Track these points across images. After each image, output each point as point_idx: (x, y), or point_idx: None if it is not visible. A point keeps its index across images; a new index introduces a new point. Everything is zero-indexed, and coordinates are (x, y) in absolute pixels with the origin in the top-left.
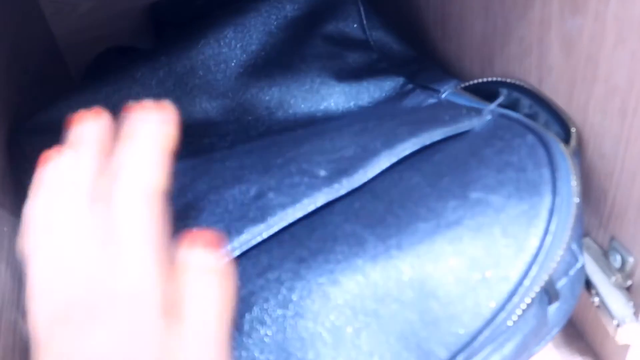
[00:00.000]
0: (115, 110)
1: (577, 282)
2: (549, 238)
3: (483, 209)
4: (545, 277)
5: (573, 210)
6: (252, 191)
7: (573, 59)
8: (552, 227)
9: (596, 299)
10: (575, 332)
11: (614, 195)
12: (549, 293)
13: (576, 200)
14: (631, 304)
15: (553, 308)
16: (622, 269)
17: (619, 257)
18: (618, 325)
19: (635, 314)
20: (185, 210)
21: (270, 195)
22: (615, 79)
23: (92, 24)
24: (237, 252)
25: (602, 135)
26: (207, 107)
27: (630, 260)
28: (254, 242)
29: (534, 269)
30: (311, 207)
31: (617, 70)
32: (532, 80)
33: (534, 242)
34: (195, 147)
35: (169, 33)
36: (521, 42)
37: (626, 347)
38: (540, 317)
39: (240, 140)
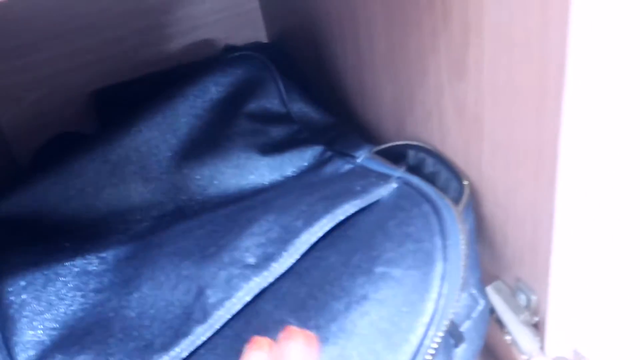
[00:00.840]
0: (55, 203)
1: (481, 323)
2: (442, 301)
3: (386, 282)
4: (441, 334)
5: (462, 273)
6: (192, 291)
7: (464, 120)
8: (444, 291)
9: (508, 337)
10: None
11: (513, 240)
12: (454, 337)
13: (463, 263)
14: (538, 339)
15: (460, 350)
16: (528, 307)
17: (524, 296)
18: None
19: (542, 348)
20: (139, 317)
21: (208, 292)
22: (497, 136)
23: (39, 112)
24: (185, 354)
25: (495, 187)
26: (143, 191)
27: (534, 298)
28: (199, 343)
29: (432, 329)
30: (246, 299)
31: (497, 129)
32: (435, 140)
33: (430, 306)
34: (136, 231)
35: (109, 119)
36: (423, 106)
37: None
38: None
39: (177, 220)
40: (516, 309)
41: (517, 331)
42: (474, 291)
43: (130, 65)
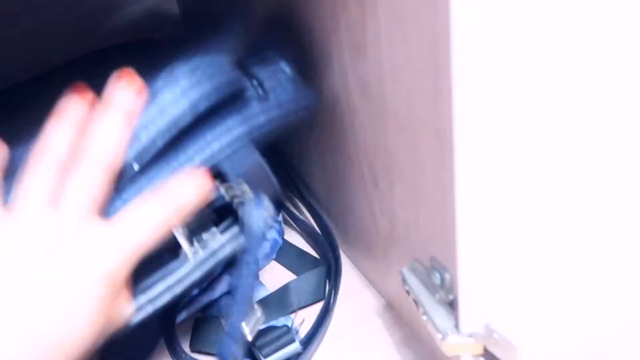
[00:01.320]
0: None
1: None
2: None
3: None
4: None
5: None
6: None
7: (369, 100)
8: None
9: (425, 317)
10: (426, 353)
11: (425, 219)
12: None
13: None
14: (452, 317)
15: None
16: (442, 285)
17: (438, 275)
18: (443, 338)
19: (457, 325)
20: None
21: None
22: (400, 115)
23: None
24: None
25: (404, 166)
26: None
27: (447, 276)
28: None
29: None
30: None
31: (400, 107)
32: (346, 121)
33: None
34: None
35: None
36: (331, 89)
37: (459, 358)
38: None
39: None
40: (432, 288)
41: (433, 310)
42: None
43: None
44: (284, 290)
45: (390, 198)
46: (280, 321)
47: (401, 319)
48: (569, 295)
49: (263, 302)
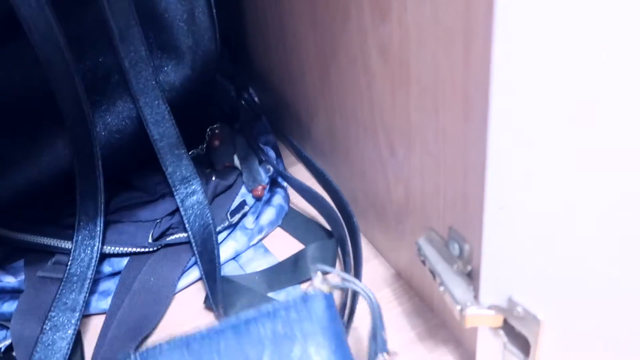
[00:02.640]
0: None
1: None
2: None
3: None
4: None
5: None
6: None
7: (389, 64)
8: None
9: (442, 288)
10: (437, 323)
11: (444, 188)
12: None
13: None
14: (471, 288)
15: None
16: (461, 256)
17: (457, 245)
18: (461, 310)
19: (476, 297)
20: None
21: None
22: (424, 79)
23: None
24: None
25: (425, 133)
26: None
27: (467, 247)
28: None
29: None
30: None
31: (424, 71)
32: (362, 86)
33: None
34: None
35: None
36: (347, 51)
37: (477, 330)
38: None
39: None
40: (449, 259)
41: (451, 281)
42: None
43: None
44: (297, 258)
45: (408, 166)
46: (291, 293)
47: (411, 288)
48: (594, 269)
49: (273, 270)
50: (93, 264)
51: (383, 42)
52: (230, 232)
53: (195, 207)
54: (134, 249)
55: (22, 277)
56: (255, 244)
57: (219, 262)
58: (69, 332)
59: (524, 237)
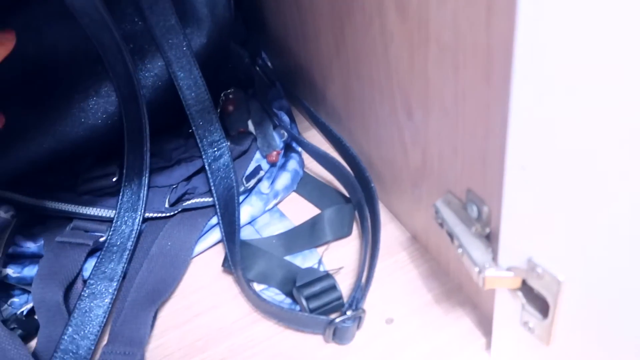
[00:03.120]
0: None
1: None
2: None
3: None
4: None
5: None
6: None
7: (408, 22)
8: None
9: (460, 250)
10: (453, 286)
11: (462, 150)
12: None
13: None
14: (490, 250)
15: None
16: (479, 218)
17: (475, 208)
18: (480, 272)
19: (494, 259)
20: None
21: None
22: (444, 38)
23: None
24: None
25: (443, 93)
26: None
27: (485, 209)
28: None
29: None
30: None
31: (444, 30)
32: (378, 47)
33: None
34: None
35: None
36: (363, 10)
37: (494, 292)
38: None
39: None
40: (467, 221)
41: (469, 243)
42: None
43: None
44: (315, 222)
45: (425, 128)
46: (308, 257)
47: (427, 251)
48: (617, 229)
49: (291, 234)
50: (133, 236)
51: (401, 0)
52: (246, 197)
53: (222, 169)
54: (151, 214)
55: (41, 242)
56: (270, 208)
57: (239, 225)
58: (106, 300)
59: (545, 197)
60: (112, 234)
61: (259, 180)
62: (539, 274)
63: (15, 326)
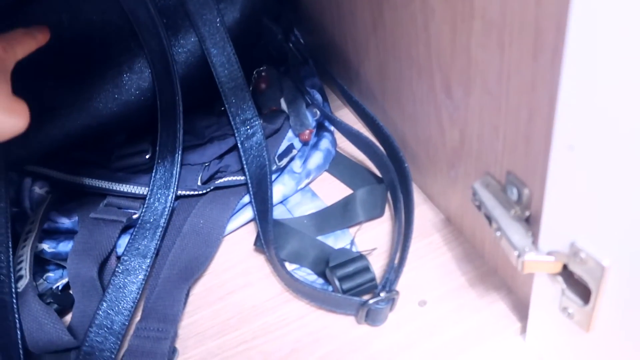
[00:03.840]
0: None
1: None
2: None
3: None
4: None
5: None
6: None
7: None
8: None
9: (498, 233)
10: (488, 269)
11: (504, 130)
12: None
13: None
14: (530, 233)
15: None
16: (519, 201)
17: (515, 190)
18: (519, 256)
19: (534, 243)
20: None
21: None
22: (490, 14)
23: None
24: None
25: (486, 72)
26: None
27: (526, 191)
28: None
29: None
30: None
31: (490, 6)
32: (418, 24)
33: None
34: None
35: None
36: None
37: (532, 276)
38: None
39: None
40: (506, 204)
41: (508, 227)
42: None
43: None
44: (347, 202)
45: (465, 107)
46: (340, 237)
47: (461, 234)
48: None
49: (323, 214)
50: (166, 213)
51: None
52: (278, 175)
53: (254, 148)
54: (184, 192)
55: (75, 218)
56: (302, 188)
57: (272, 203)
58: (140, 277)
59: (593, 178)
60: (145, 211)
61: (292, 159)
62: (582, 258)
63: (51, 300)
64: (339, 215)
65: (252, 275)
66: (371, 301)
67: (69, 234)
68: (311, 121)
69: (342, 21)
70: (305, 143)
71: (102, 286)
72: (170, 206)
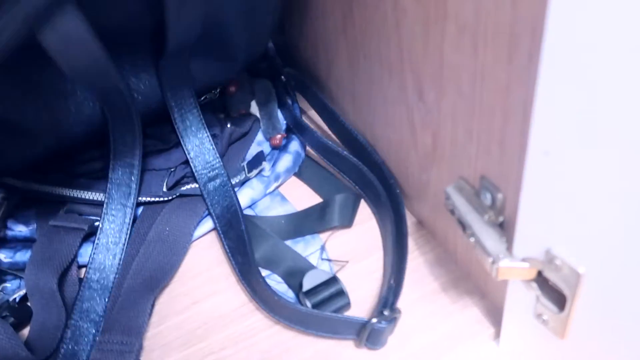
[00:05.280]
0: None
1: None
2: None
3: None
4: None
5: None
6: None
7: (423, 0)
8: None
9: (472, 239)
10: (461, 274)
11: (478, 134)
12: None
13: None
14: (504, 239)
15: None
16: (493, 206)
17: (489, 195)
18: (493, 262)
19: (508, 249)
20: None
21: None
22: (463, 16)
23: None
24: None
25: (460, 75)
26: None
27: (500, 196)
28: None
29: None
30: None
31: (463, 7)
32: (389, 24)
33: None
34: None
35: None
36: None
37: (506, 282)
38: None
39: None
40: (480, 209)
41: (482, 232)
42: None
43: None
44: (326, 206)
45: (437, 110)
46: (310, 243)
47: (434, 238)
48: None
49: (300, 215)
50: (126, 229)
51: None
52: (247, 180)
53: (218, 190)
54: (148, 198)
55: (33, 226)
56: (272, 191)
57: (252, 250)
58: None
59: (569, 184)
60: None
61: (261, 171)
62: (557, 265)
63: (7, 314)
64: (317, 219)
65: (220, 284)
66: (374, 320)
67: (27, 242)
68: (282, 126)
69: (312, 20)
70: (275, 148)
71: (62, 298)
72: (130, 221)
